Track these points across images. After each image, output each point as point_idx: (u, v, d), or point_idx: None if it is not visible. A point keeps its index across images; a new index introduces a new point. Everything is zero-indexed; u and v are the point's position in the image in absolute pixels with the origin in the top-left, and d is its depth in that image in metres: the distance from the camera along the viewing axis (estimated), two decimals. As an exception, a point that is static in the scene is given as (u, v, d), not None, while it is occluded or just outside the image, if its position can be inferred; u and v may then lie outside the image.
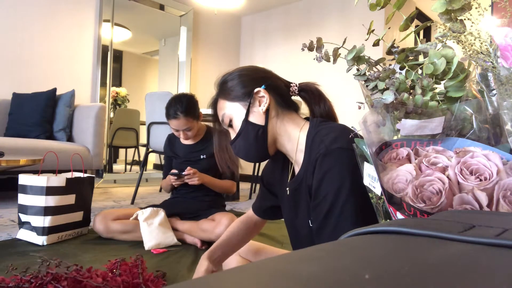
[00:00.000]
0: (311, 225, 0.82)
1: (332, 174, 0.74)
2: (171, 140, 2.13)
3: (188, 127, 1.90)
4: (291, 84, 0.91)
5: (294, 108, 0.91)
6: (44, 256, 0.99)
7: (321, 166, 0.75)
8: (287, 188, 0.92)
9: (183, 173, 1.87)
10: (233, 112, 0.87)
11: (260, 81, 0.87)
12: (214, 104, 0.93)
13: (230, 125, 0.89)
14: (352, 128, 0.83)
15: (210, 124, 2.10)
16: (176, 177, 1.90)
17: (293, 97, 0.93)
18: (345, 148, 0.75)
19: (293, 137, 0.87)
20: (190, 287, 0.18)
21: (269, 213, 1.08)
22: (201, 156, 2.01)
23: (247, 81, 0.87)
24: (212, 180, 1.95)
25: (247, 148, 0.87)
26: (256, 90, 0.85)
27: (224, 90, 0.89)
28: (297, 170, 0.88)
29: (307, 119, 0.91)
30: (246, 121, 0.85)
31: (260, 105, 0.85)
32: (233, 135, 0.89)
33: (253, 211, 1.11)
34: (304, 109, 0.95)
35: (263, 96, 0.85)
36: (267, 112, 0.85)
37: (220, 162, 0.99)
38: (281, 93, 0.89)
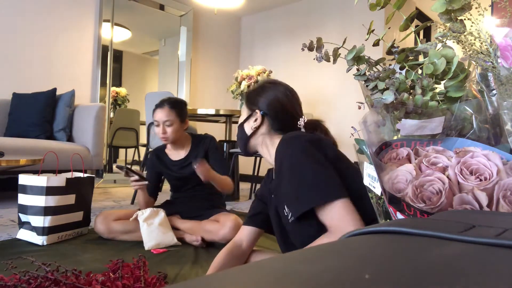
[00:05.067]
0: (285, 214, 0.90)
1: (285, 154, 0.86)
2: (160, 156, 2.03)
3: (169, 120, 1.85)
4: (300, 119, 1.03)
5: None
6: (36, 262, 0.98)
7: (276, 153, 0.90)
8: (272, 195, 1.02)
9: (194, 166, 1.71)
10: (243, 112, 1.09)
11: (262, 104, 1.03)
12: None
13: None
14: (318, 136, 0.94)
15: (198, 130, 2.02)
16: (124, 172, 1.74)
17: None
18: (296, 136, 0.89)
19: (273, 154, 0.99)
20: (190, 287, 0.18)
21: (263, 221, 1.13)
22: (195, 167, 1.94)
23: (257, 100, 1.05)
24: (215, 176, 1.80)
25: (238, 139, 1.10)
26: (256, 110, 1.04)
27: (251, 95, 1.07)
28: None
29: None
30: (241, 124, 1.08)
31: (255, 122, 1.04)
32: None
33: (246, 225, 1.15)
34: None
35: (257, 118, 1.03)
36: (257, 129, 1.04)
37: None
38: (281, 121, 1.03)
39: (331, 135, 1.05)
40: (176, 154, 2.00)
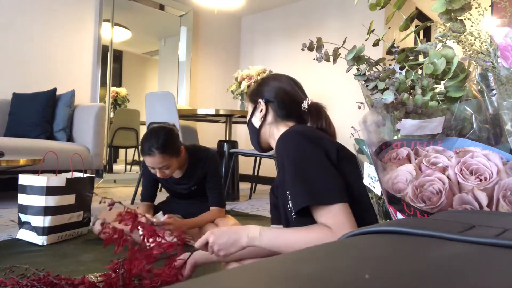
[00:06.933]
0: (289, 209, 0.91)
1: (286, 151, 0.86)
2: None
3: (164, 165, 1.68)
4: (304, 101, 1.04)
5: (299, 119, 1.04)
6: (30, 268, 0.97)
7: (277, 151, 0.90)
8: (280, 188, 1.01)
9: (155, 221, 1.53)
10: (248, 109, 1.10)
11: (265, 93, 1.05)
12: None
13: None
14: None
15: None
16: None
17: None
18: (299, 131, 0.89)
19: None
20: (190, 287, 0.18)
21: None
22: (192, 188, 1.89)
23: (259, 91, 1.07)
24: (192, 222, 1.74)
25: (250, 139, 1.11)
26: (259, 100, 1.05)
27: (254, 89, 1.10)
28: None
29: None
30: (249, 120, 1.09)
31: (260, 112, 1.05)
32: None
33: (272, 224, 1.14)
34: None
35: (261, 108, 1.04)
36: (264, 118, 1.05)
37: None
38: (284, 106, 1.04)
39: (331, 123, 1.04)
40: None
